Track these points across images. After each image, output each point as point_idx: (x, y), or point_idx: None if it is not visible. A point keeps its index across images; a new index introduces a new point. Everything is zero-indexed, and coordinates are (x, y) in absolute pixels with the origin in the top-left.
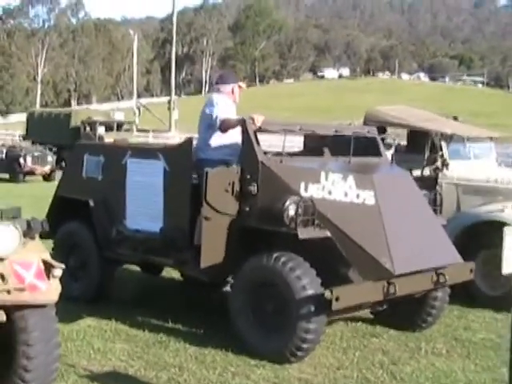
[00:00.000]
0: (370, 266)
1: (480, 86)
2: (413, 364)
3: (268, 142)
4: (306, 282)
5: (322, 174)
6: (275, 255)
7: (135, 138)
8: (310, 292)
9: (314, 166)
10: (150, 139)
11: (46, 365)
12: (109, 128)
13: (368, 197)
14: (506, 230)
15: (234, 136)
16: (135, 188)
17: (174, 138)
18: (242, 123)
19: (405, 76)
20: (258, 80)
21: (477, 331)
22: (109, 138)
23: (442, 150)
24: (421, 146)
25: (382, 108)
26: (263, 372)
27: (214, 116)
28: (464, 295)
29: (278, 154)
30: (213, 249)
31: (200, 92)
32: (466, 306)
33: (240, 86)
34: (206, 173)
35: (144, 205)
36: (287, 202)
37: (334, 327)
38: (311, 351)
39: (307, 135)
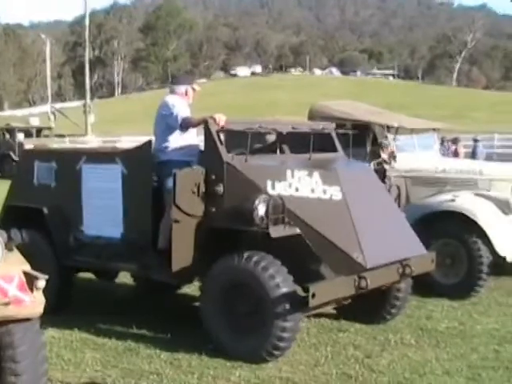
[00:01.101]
0: (342, 261)
1: (391, 78)
2: (386, 356)
3: None
4: (279, 280)
5: (288, 171)
6: (246, 255)
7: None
8: (284, 290)
9: (279, 164)
10: (67, 144)
11: (34, 381)
12: (28, 134)
13: (335, 192)
14: None
15: (192, 137)
16: (92, 194)
17: (92, 141)
18: (204, 123)
19: (317, 71)
20: (170, 81)
21: (439, 320)
22: (28, 145)
23: (381, 143)
24: (362, 140)
25: (326, 103)
26: (242, 373)
27: (175, 114)
28: (419, 285)
29: (241, 153)
30: (182, 251)
31: (112, 95)
32: (423, 296)
33: (194, 89)
34: (174, 174)
35: (102, 210)
36: (256, 201)
37: None
38: (288, 350)
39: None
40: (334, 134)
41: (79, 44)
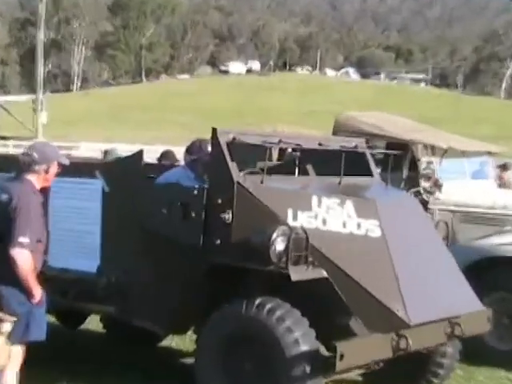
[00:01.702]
0: (379, 315)
1: (423, 84)
2: None
3: None
4: (298, 334)
5: (314, 198)
6: (257, 301)
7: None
8: (304, 348)
9: (302, 188)
10: (11, 149)
11: None
12: None
13: (372, 227)
14: None
15: None
16: (60, 214)
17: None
18: (213, 133)
19: (330, 72)
20: (144, 75)
21: None
22: None
23: (416, 167)
24: (398, 162)
25: (354, 114)
26: None
27: None
28: (467, 349)
29: (255, 172)
30: (174, 293)
31: (69, 89)
32: (470, 363)
33: None
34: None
35: (73, 236)
36: (274, 234)
37: None
38: None
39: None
40: (368, 154)
41: (31, 22)
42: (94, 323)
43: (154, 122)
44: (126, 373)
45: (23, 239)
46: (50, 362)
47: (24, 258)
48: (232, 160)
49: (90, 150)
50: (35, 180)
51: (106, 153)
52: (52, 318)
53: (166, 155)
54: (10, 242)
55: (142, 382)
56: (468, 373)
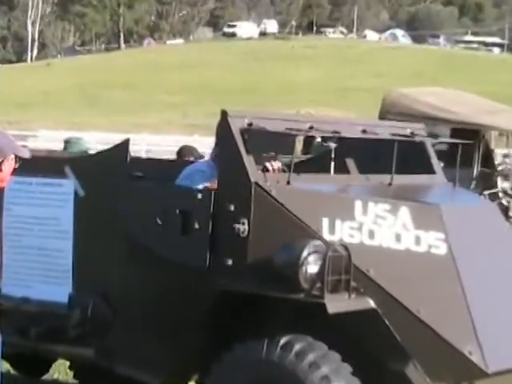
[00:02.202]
0: (445, 359)
1: (497, 50)
2: None
3: None
4: None
5: (357, 203)
6: (283, 340)
7: None
8: None
9: (341, 191)
10: None
11: None
12: None
13: (435, 242)
14: None
15: None
16: (20, 227)
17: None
18: (223, 117)
19: (371, 35)
20: (123, 40)
21: None
22: None
23: (492, 162)
24: (466, 155)
25: (409, 92)
26: None
27: None
28: None
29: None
30: (171, 330)
31: (22, 58)
32: None
33: None
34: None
35: (36, 256)
36: (304, 252)
37: None
38: None
39: None
40: (429, 144)
41: None
42: (61, 371)
43: (136, 104)
44: None
45: None
46: None
47: None
48: (248, 153)
49: (51, 140)
50: None
51: (66, 143)
52: (7, 365)
53: (185, 151)
54: None
55: None
56: None
